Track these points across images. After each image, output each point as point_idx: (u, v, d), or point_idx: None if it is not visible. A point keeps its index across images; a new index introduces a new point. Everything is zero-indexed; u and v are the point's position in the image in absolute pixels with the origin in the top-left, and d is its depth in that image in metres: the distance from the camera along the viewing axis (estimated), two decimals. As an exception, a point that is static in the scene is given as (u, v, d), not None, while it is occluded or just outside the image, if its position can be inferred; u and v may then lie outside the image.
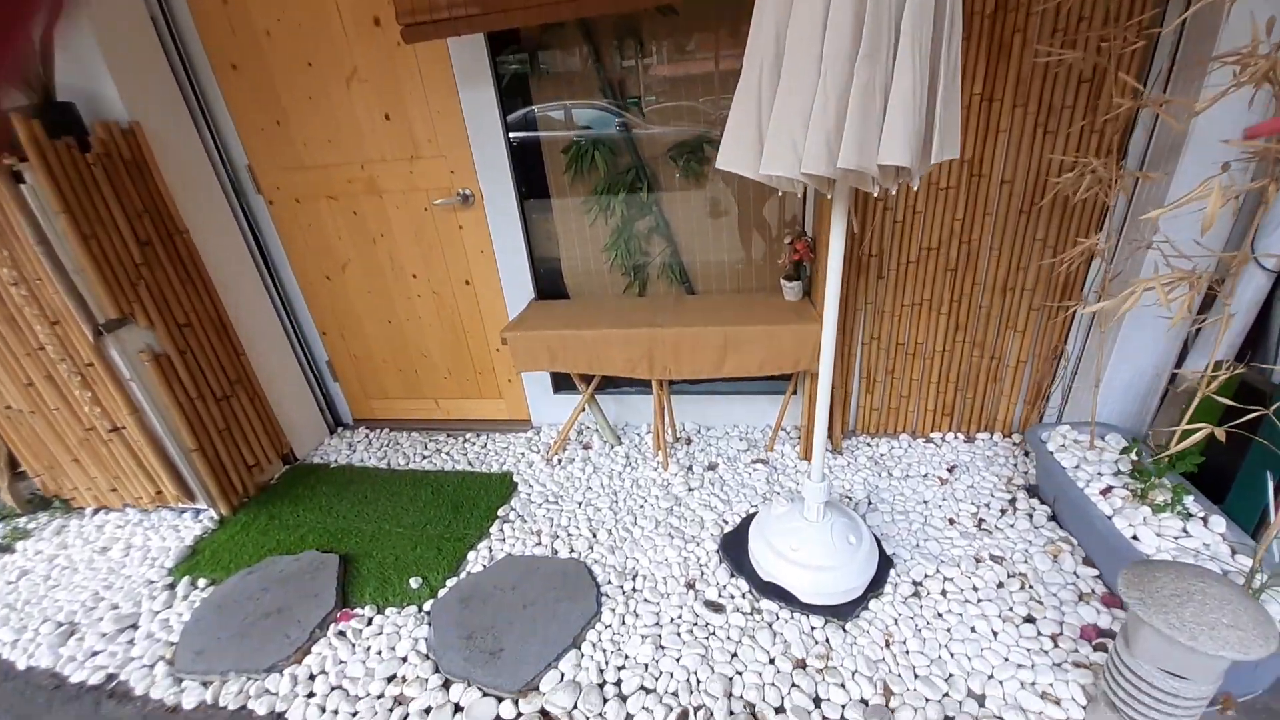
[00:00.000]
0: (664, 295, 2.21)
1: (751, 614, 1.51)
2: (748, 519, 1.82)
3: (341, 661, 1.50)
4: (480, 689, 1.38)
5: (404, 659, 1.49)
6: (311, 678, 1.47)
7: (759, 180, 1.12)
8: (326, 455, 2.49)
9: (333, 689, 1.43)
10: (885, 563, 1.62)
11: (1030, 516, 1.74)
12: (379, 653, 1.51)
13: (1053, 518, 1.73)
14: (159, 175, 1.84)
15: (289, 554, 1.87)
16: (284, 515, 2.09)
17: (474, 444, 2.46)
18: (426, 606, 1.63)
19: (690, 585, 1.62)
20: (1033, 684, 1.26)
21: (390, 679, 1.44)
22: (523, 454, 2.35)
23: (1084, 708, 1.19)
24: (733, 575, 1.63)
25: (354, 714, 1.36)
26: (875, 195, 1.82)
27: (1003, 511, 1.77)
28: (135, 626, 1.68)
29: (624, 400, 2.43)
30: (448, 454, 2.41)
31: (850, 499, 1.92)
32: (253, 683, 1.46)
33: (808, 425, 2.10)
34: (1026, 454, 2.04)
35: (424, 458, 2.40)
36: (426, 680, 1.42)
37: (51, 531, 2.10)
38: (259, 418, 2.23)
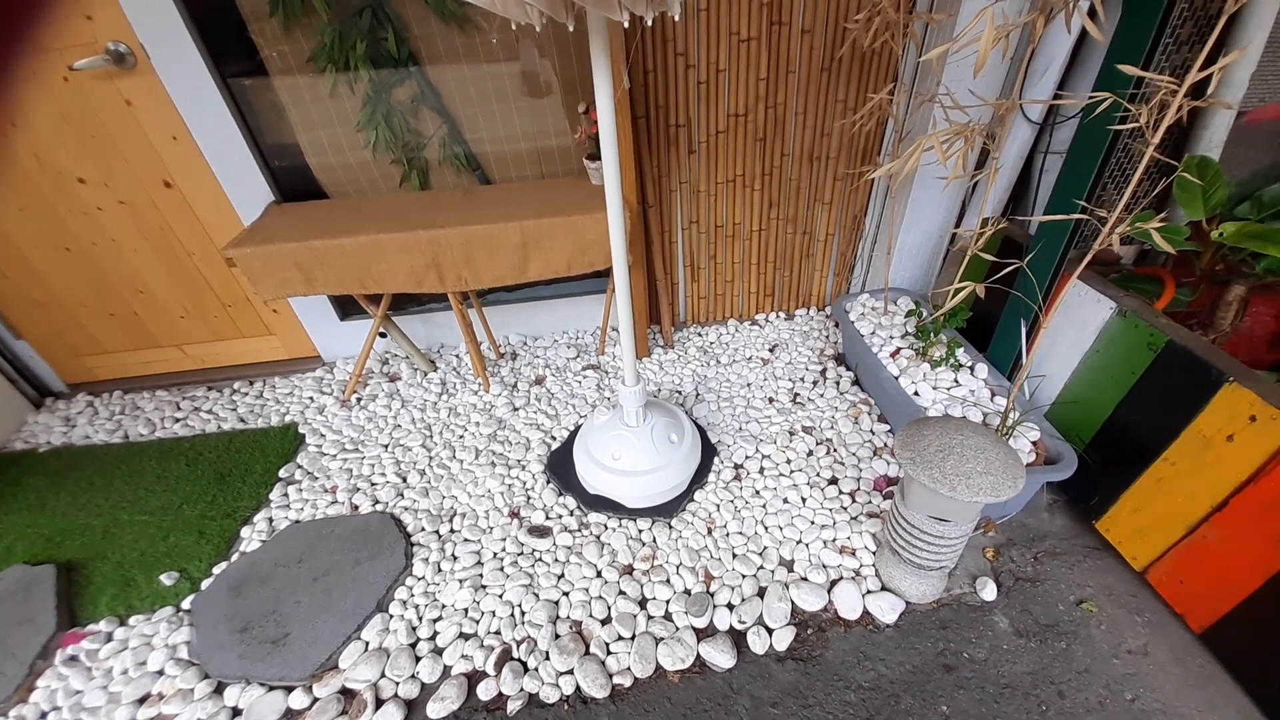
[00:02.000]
0: (450, 188, 1.83)
1: (579, 530, 1.43)
2: (575, 432, 1.70)
3: (77, 691, 1.18)
4: (263, 684, 1.16)
5: (159, 672, 1.20)
6: (43, 716, 1.14)
7: (486, 8, 0.81)
8: (35, 437, 1.88)
9: (63, 732, 1.12)
10: (710, 451, 1.62)
11: (838, 384, 1.84)
12: (124, 672, 1.20)
13: (856, 382, 1.84)
14: None
15: (-25, 580, 1.39)
16: (-36, 530, 1.55)
17: (245, 395, 2.01)
18: (186, 604, 1.32)
19: (514, 514, 1.49)
20: (834, 540, 1.35)
21: (143, 699, 1.16)
22: (311, 399, 1.96)
23: (873, 554, 1.31)
24: (560, 494, 1.53)
25: (95, 755, 1.09)
26: (625, 24, 1.58)
27: (814, 383, 1.85)
28: None
29: (433, 319, 2.10)
30: (209, 412, 1.94)
31: (680, 393, 1.88)
32: (-60, 753, 1.10)
33: (635, 320, 1.98)
34: (836, 325, 2.13)
35: (176, 420, 1.91)
36: (192, 690, 1.16)
37: None
38: (-124, 407, 1.55)
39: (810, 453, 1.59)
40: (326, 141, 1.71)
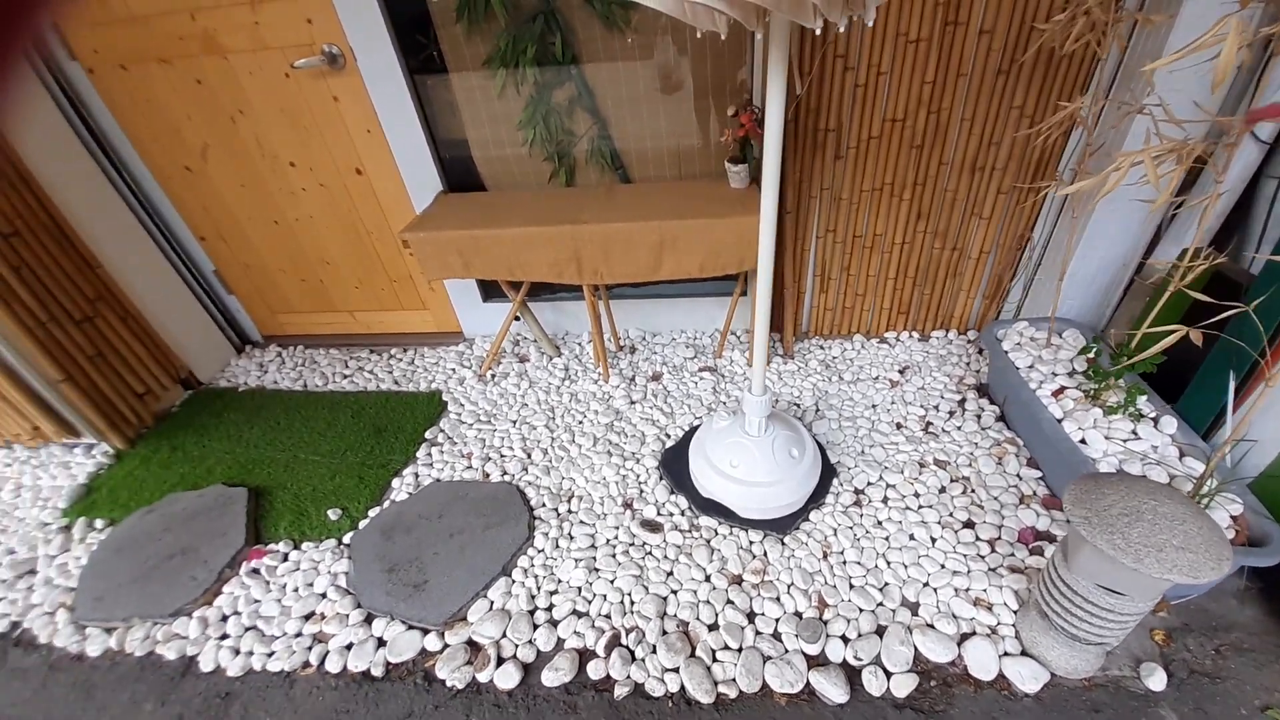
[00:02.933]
0: (594, 185, 1.91)
1: (690, 531, 1.45)
2: (690, 433, 1.72)
3: (255, 601, 1.40)
4: (404, 623, 1.31)
5: (323, 595, 1.40)
6: (224, 619, 1.38)
7: (677, 17, 0.84)
8: (235, 377, 2.25)
9: (246, 630, 1.34)
10: (829, 472, 1.56)
11: (978, 418, 1.69)
12: (295, 590, 1.41)
13: (1001, 418, 1.68)
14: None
15: (193, 489, 1.71)
16: (188, 446, 1.89)
17: (400, 360, 2.25)
18: (346, 539, 1.52)
19: (628, 505, 1.54)
20: (966, 590, 1.25)
21: (308, 616, 1.36)
22: (453, 370, 2.15)
23: (1015, 612, 1.19)
24: (672, 493, 1.56)
25: (270, 654, 1.29)
26: (817, 31, 1.51)
27: (951, 413, 1.72)
28: (33, 572, 1.53)
29: (561, 307, 2.21)
30: (370, 372, 2.20)
31: (799, 406, 1.83)
32: (159, 627, 1.37)
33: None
34: (980, 352, 1.96)
35: (344, 377, 2.19)
36: (347, 616, 1.34)
37: (-83, 478, 1.87)
38: (138, 340, 1.94)
39: (943, 489, 1.48)
40: (490, 137, 1.85)
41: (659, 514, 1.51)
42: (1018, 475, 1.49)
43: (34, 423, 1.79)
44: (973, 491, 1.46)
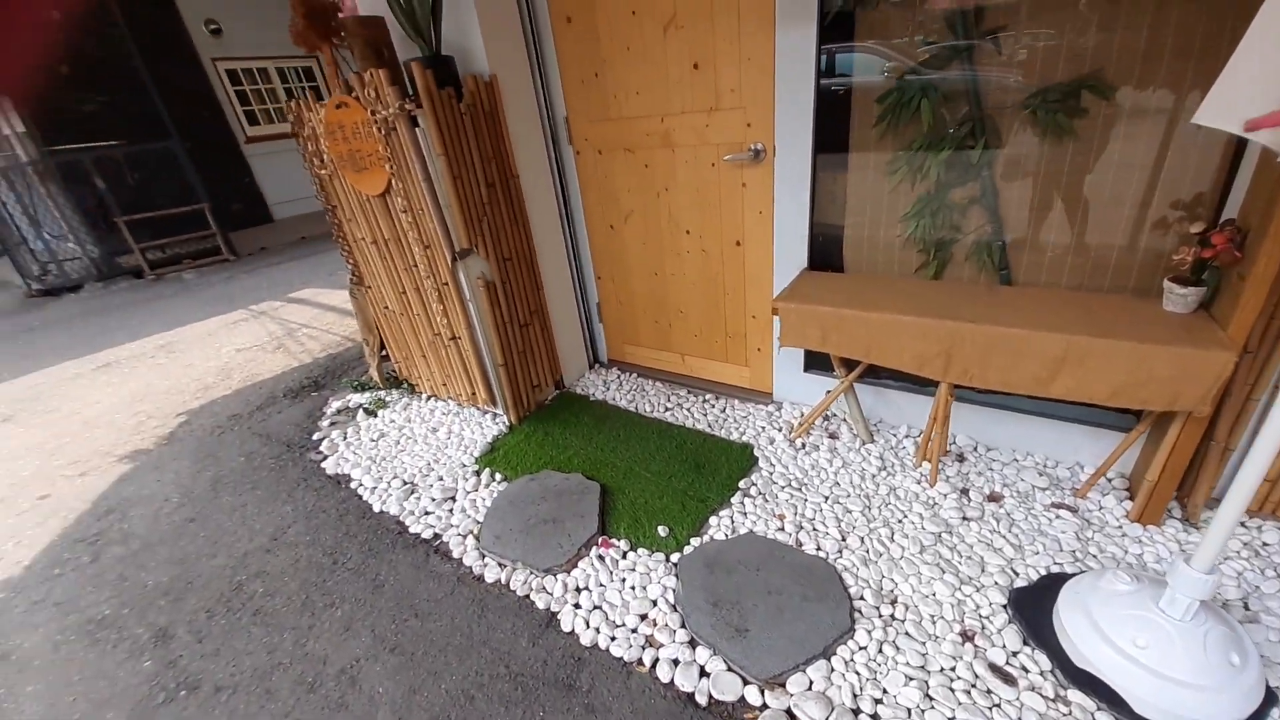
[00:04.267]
0: (969, 282, 1.84)
1: (1055, 701, 1.23)
2: (1050, 578, 1.48)
3: (601, 585, 1.66)
4: (726, 662, 1.39)
5: (654, 602, 1.58)
6: (578, 590, 1.66)
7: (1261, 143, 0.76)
8: (586, 388, 2.76)
9: (595, 607, 1.59)
10: (1269, 698, 1.16)
11: None
12: (632, 587, 1.63)
13: None
14: (505, 124, 2.11)
15: (560, 471, 2.13)
16: (555, 434, 2.38)
17: (713, 406, 2.47)
18: (674, 558, 1.71)
19: (968, 638, 1.38)
20: None
21: (642, 617, 1.55)
22: (763, 428, 2.27)
23: None
24: (1027, 643, 1.35)
25: (613, 638, 1.50)
26: None
27: None
28: (453, 499, 2.10)
29: (883, 394, 2.16)
30: (688, 410, 2.46)
31: (1218, 597, 1.42)
32: (535, 578, 1.72)
33: (1162, 480, 1.59)
34: None
35: (666, 409, 2.50)
36: (674, 632, 1.49)
37: (400, 406, 2.75)
38: (545, 346, 2.55)
39: None
40: (867, 225, 1.95)
41: (1008, 662, 1.32)
42: None
43: (475, 390, 2.48)
44: None
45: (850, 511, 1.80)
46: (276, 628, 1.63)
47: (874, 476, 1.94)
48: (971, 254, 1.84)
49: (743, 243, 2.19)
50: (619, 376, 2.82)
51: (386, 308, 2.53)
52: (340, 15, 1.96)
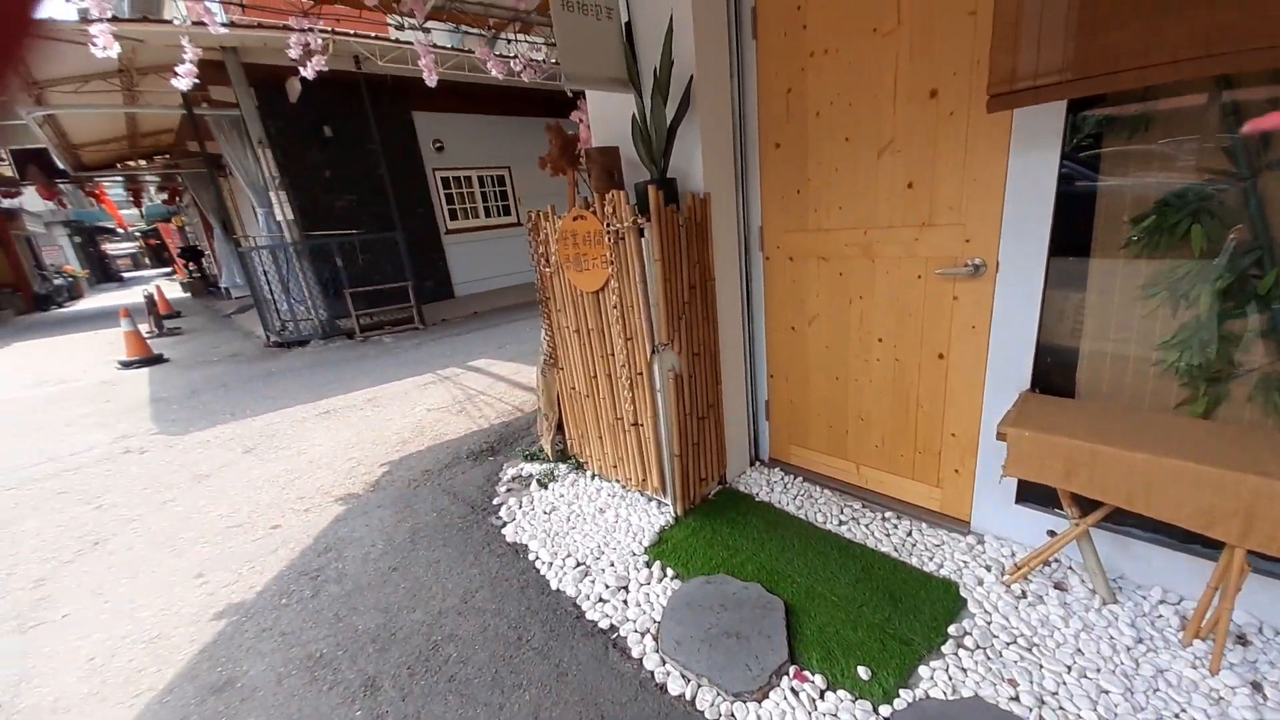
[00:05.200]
0: (1254, 424, 1.55)
1: None
2: None
3: (797, 722, 1.51)
4: None
5: (857, 758, 1.39)
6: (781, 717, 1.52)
7: None
8: (749, 486, 2.69)
9: (788, 749, 1.44)
10: None
11: None
12: (828, 734, 1.46)
13: None
14: (710, 235, 2.29)
15: (737, 577, 2.04)
16: (723, 533, 2.32)
17: (896, 527, 2.26)
18: (884, 711, 1.51)
19: None
20: None
21: (844, 773, 1.37)
22: (964, 563, 2.02)
23: None
24: None
25: (812, 792, 1.34)
26: None
27: None
28: (626, 589, 2.09)
29: (1126, 544, 1.83)
30: (866, 527, 2.28)
31: None
32: (723, 701, 1.59)
33: None
34: None
35: (841, 523, 2.33)
36: (888, 802, 1.28)
37: (568, 482, 2.89)
38: (715, 439, 2.56)
39: None
40: (1111, 350, 1.75)
41: None
42: None
43: (647, 476, 2.53)
44: None
45: (1107, 693, 1.49)
46: (470, 700, 1.68)
47: (1129, 650, 1.61)
48: (1257, 393, 1.56)
49: (946, 356, 2.08)
50: (783, 478, 2.71)
51: (573, 388, 2.73)
52: (580, 145, 2.32)
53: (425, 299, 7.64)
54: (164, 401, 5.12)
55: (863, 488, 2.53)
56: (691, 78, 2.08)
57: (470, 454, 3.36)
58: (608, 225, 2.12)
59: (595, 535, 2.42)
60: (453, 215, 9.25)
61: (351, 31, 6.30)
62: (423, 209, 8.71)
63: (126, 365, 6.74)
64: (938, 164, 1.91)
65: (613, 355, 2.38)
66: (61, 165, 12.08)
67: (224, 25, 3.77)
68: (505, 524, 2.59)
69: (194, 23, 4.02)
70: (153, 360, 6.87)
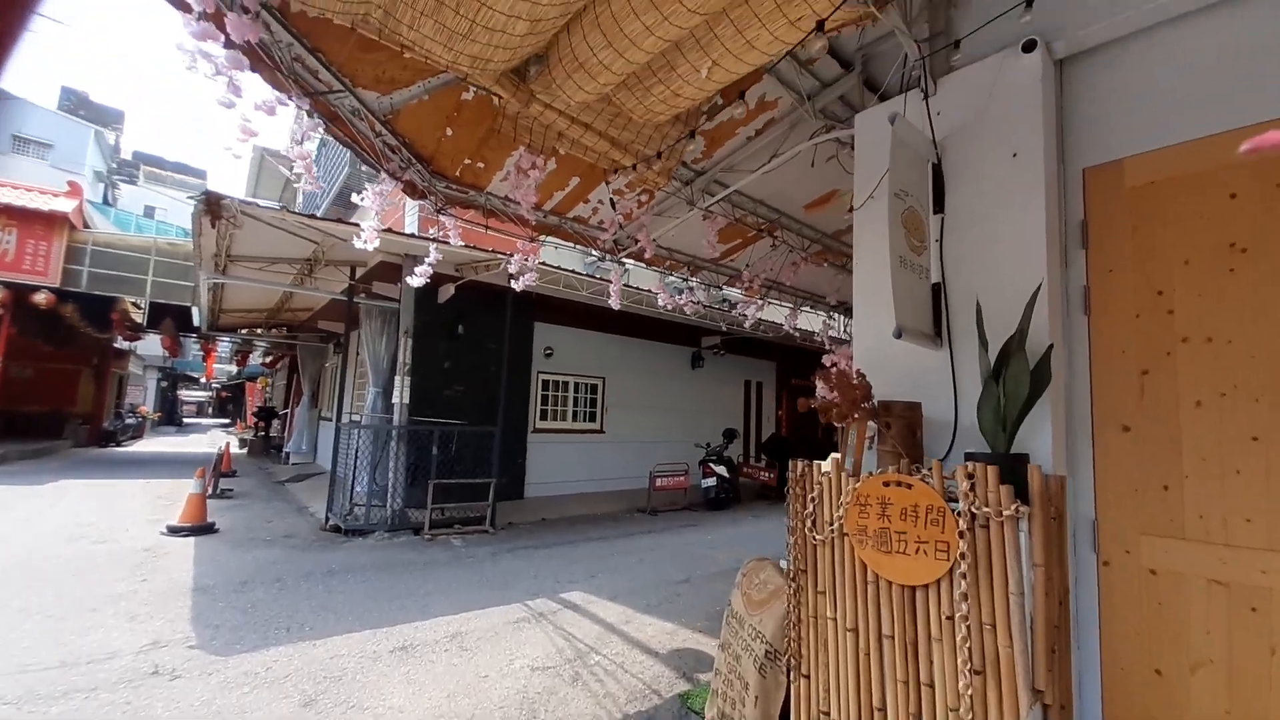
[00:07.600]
0: None
1: None
2: None
3: None
4: None
5: None
6: None
7: None
8: None
9: None
10: None
11: None
12: None
13: None
14: (1066, 529, 1.76)
15: None
16: None
17: None
18: None
19: None
20: None
21: None
22: None
23: None
24: None
25: None
26: None
27: None
28: None
29: None
30: None
31: None
32: None
33: None
34: None
35: None
36: None
37: None
38: None
39: None
40: None
41: None
42: None
43: None
44: None
45: None
46: None
47: None
48: None
49: None
50: None
51: (825, 713, 1.93)
52: (871, 397, 1.98)
53: (497, 497, 7.05)
54: (209, 593, 4.33)
55: None
56: (1050, 347, 1.80)
57: (614, 768, 2.39)
58: (953, 502, 1.64)
59: None
60: (543, 415, 9.22)
61: (547, 260, 7.09)
62: (521, 407, 8.74)
63: (174, 531, 6.11)
64: None
65: (931, 686, 1.67)
66: (197, 323, 13.31)
67: (462, 246, 4.14)
68: None
69: (435, 239, 4.45)
70: (203, 529, 6.25)
